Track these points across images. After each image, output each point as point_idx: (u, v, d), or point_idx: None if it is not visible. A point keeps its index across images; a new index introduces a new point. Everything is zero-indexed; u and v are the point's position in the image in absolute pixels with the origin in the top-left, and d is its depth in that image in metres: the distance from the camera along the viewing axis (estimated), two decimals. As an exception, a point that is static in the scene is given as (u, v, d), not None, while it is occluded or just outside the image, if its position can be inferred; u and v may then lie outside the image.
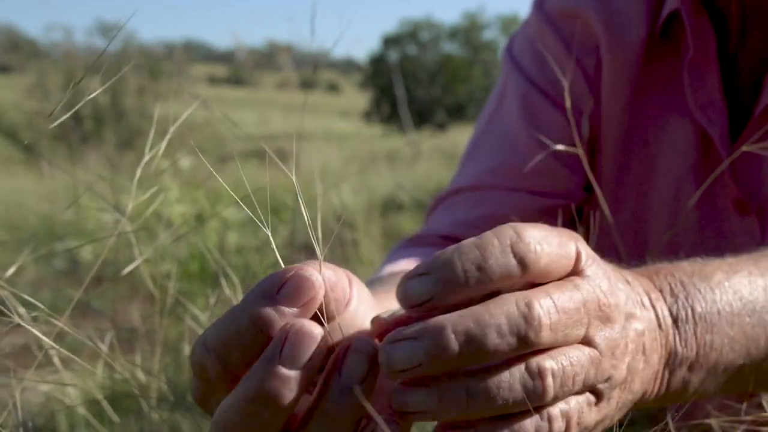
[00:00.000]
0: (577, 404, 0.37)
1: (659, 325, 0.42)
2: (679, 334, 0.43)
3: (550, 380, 0.35)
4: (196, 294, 2.19)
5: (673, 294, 0.43)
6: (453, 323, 0.33)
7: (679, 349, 0.43)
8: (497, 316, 0.34)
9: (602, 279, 0.39)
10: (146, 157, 0.49)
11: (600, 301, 0.38)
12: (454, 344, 0.33)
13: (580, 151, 0.60)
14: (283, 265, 0.38)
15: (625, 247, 0.77)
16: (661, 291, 0.44)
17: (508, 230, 0.35)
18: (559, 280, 0.38)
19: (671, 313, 0.43)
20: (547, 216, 0.77)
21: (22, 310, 0.48)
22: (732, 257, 0.49)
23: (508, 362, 0.35)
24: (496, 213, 0.76)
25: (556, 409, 0.36)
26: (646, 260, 0.50)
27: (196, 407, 0.44)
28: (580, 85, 0.78)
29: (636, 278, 0.43)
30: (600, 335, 0.38)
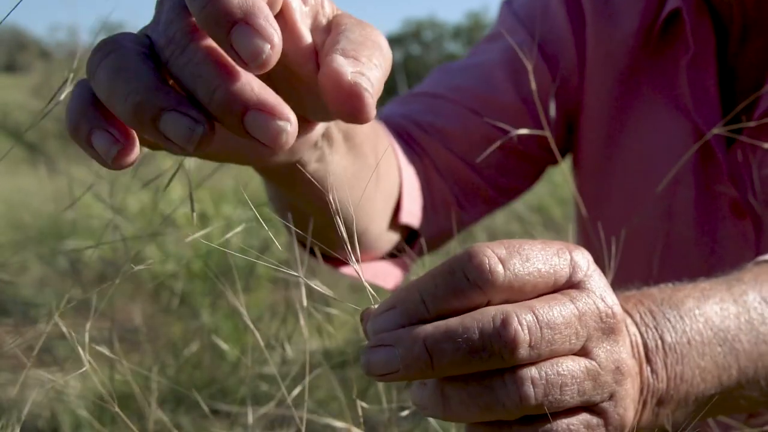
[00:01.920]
0: (570, 425, 0.36)
1: (633, 354, 0.40)
2: (650, 364, 0.41)
3: (529, 389, 0.35)
4: (200, 294, 2.19)
5: (643, 323, 0.42)
6: (426, 335, 0.34)
7: (651, 380, 0.41)
8: (471, 330, 0.34)
9: (604, 290, 0.38)
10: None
11: (601, 312, 0.37)
12: (425, 356, 0.34)
13: (547, 133, 0.59)
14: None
15: (610, 241, 0.77)
16: (631, 317, 0.42)
17: (461, 255, 0.36)
18: (555, 292, 0.37)
19: (644, 343, 0.41)
20: (497, 151, 0.74)
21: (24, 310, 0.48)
22: (705, 281, 0.47)
23: (491, 372, 0.35)
24: (447, 126, 0.75)
25: (549, 426, 0.36)
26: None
27: (198, 407, 0.44)
28: (571, 55, 0.78)
29: None
30: (601, 347, 0.37)
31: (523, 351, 0.34)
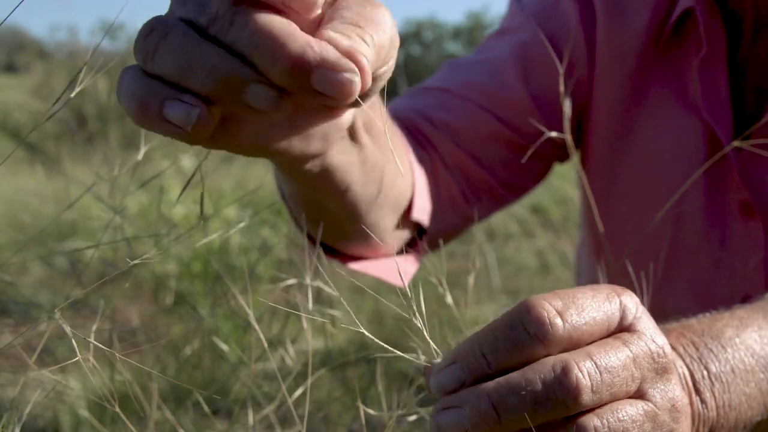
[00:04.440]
0: None
1: (682, 386, 0.42)
2: (699, 395, 0.43)
3: None
4: (199, 294, 2.19)
5: (687, 354, 0.43)
6: (490, 391, 0.35)
7: (701, 410, 0.42)
8: (533, 382, 0.35)
9: (653, 331, 0.39)
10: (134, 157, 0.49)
11: (653, 353, 0.38)
12: (492, 413, 0.35)
13: (567, 137, 0.60)
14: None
15: (619, 240, 0.77)
16: (676, 352, 0.43)
17: (519, 308, 0.37)
18: (607, 337, 0.38)
19: (691, 374, 0.43)
20: (505, 148, 0.75)
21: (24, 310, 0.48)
22: (741, 309, 0.48)
23: (554, 423, 0.36)
24: (456, 122, 0.75)
25: None
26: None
27: (198, 407, 0.44)
28: (581, 51, 0.77)
29: None
30: (656, 388, 0.38)
31: (587, 397, 0.36)
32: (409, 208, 0.66)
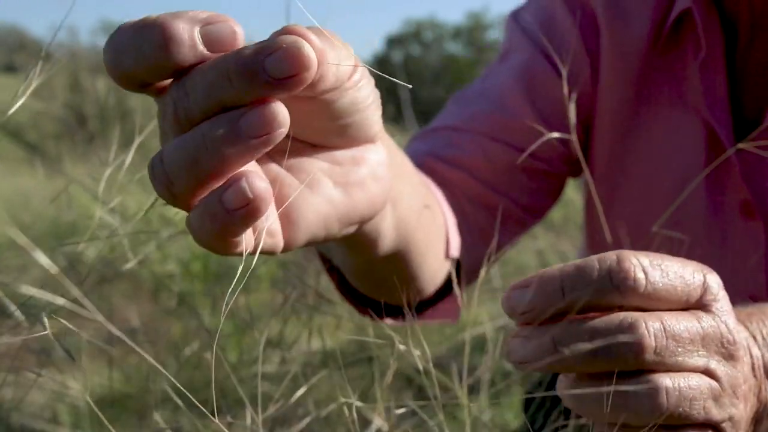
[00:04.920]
0: None
1: (754, 374, 0.42)
2: None
3: (662, 397, 0.37)
4: (199, 294, 2.19)
5: (765, 343, 0.43)
6: (556, 333, 0.37)
7: None
8: (600, 331, 0.36)
9: (728, 316, 0.40)
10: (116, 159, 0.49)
11: (723, 338, 0.39)
12: (553, 351, 0.36)
13: (574, 137, 0.60)
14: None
15: (621, 242, 0.77)
16: (754, 338, 0.43)
17: (610, 257, 0.37)
18: (683, 310, 0.39)
19: (764, 362, 0.43)
20: (522, 174, 0.76)
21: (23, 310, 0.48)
22: None
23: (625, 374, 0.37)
24: (469, 157, 0.76)
25: None
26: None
27: (198, 407, 0.44)
28: (583, 64, 0.78)
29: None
30: (722, 370, 0.39)
31: (649, 356, 0.36)
32: (446, 247, 0.67)
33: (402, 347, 0.47)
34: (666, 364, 0.37)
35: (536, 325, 0.38)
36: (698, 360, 0.38)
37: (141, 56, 0.34)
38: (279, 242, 0.41)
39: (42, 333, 0.38)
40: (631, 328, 0.36)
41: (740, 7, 0.72)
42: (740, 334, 0.40)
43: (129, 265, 0.50)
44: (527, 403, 0.91)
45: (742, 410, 0.40)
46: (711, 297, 0.40)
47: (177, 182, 0.35)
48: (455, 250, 0.67)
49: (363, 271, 0.58)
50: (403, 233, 0.54)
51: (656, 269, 0.38)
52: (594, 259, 0.37)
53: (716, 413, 0.39)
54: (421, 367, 0.46)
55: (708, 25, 0.73)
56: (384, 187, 0.46)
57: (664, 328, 0.37)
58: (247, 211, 0.35)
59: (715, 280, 0.40)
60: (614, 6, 0.77)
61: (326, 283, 0.70)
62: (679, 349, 0.37)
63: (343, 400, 0.45)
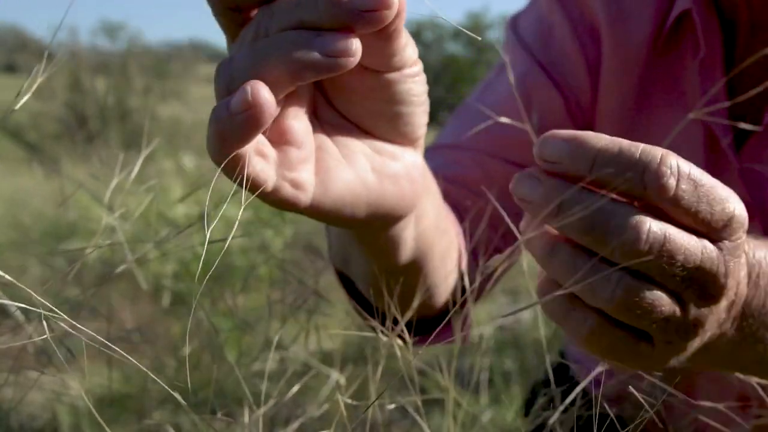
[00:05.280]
0: (659, 299, 0.38)
1: (728, 312, 0.42)
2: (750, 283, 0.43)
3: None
4: (198, 294, 2.19)
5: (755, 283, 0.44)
6: (567, 196, 0.37)
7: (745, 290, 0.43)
8: (606, 225, 0.36)
9: (733, 257, 0.39)
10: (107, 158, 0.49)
11: (708, 277, 0.38)
12: (555, 210, 0.37)
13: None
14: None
15: None
16: (749, 275, 0.43)
17: (655, 152, 0.37)
18: (693, 230, 0.38)
19: (746, 299, 0.43)
20: None
21: (23, 311, 0.48)
22: None
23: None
24: (472, 175, 0.76)
25: (642, 287, 0.37)
26: None
27: (198, 407, 0.44)
28: (581, 73, 0.78)
29: None
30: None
31: (639, 253, 0.36)
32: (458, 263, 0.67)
33: (399, 341, 0.47)
34: (650, 268, 0.37)
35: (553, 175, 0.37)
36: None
37: None
38: (305, 196, 0.41)
39: (42, 335, 0.38)
40: (634, 224, 0.36)
41: (739, 8, 0.72)
42: (731, 280, 0.39)
43: (125, 266, 0.50)
44: (527, 403, 0.91)
45: (722, 307, 0.40)
46: (728, 233, 0.39)
47: (237, 76, 0.37)
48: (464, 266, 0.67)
49: (378, 279, 0.59)
50: (422, 247, 0.55)
51: (690, 184, 0.37)
52: (638, 149, 0.37)
53: (697, 285, 0.38)
54: (414, 367, 0.46)
55: (707, 25, 0.73)
56: (415, 190, 0.48)
57: (665, 238, 0.36)
58: (246, 117, 0.36)
59: (740, 221, 0.39)
60: (615, 9, 0.77)
61: (326, 284, 0.70)
62: (671, 259, 0.37)
63: (340, 399, 0.45)
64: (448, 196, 0.75)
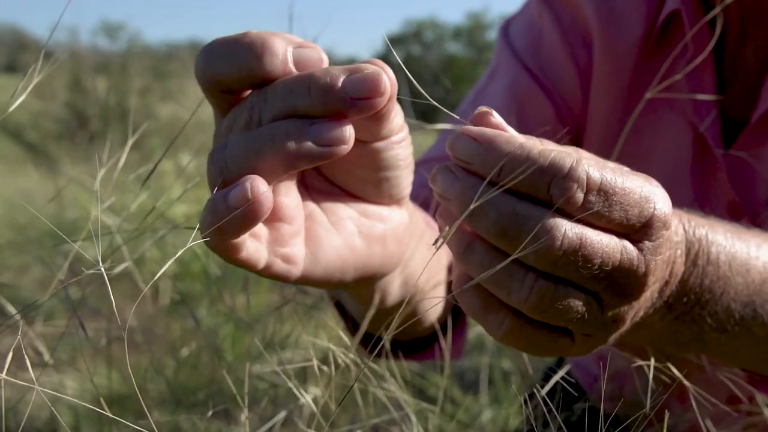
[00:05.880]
0: (574, 296, 0.37)
1: (651, 301, 0.42)
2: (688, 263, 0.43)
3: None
4: (198, 294, 2.19)
5: (701, 233, 0.44)
6: (480, 196, 0.36)
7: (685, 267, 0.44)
8: (511, 231, 0.36)
9: (654, 256, 0.38)
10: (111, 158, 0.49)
11: (628, 277, 0.38)
12: (471, 214, 0.37)
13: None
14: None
15: None
16: (689, 225, 0.44)
17: (565, 161, 0.36)
18: (612, 231, 0.37)
19: (697, 250, 0.43)
20: None
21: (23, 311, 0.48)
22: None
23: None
24: None
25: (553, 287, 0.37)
26: None
27: (197, 407, 0.44)
28: (572, 79, 0.78)
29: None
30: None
31: (553, 258, 0.36)
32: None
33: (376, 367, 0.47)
34: (566, 271, 0.36)
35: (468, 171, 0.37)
36: (594, 284, 0.37)
37: (235, 63, 0.37)
38: (295, 270, 0.42)
39: (42, 333, 0.38)
40: (549, 228, 0.35)
41: (729, 9, 0.72)
42: (652, 277, 0.39)
43: (124, 265, 0.50)
44: (526, 403, 0.91)
45: (645, 297, 0.40)
46: (648, 234, 0.38)
47: (232, 165, 0.37)
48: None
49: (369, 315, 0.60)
50: (410, 287, 0.55)
51: (600, 194, 0.36)
52: (547, 157, 0.36)
53: (615, 283, 0.38)
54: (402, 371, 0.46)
55: (696, 25, 0.73)
56: (402, 249, 0.48)
57: (580, 242, 0.36)
58: (245, 212, 0.36)
59: (662, 220, 0.39)
60: (607, 11, 0.77)
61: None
62: (586, 265, 0.36)
63: (341, 400, 0.45)
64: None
